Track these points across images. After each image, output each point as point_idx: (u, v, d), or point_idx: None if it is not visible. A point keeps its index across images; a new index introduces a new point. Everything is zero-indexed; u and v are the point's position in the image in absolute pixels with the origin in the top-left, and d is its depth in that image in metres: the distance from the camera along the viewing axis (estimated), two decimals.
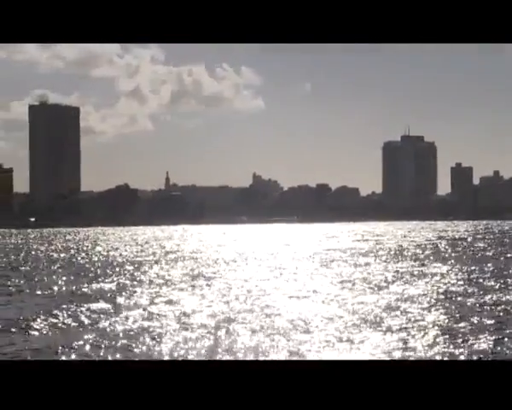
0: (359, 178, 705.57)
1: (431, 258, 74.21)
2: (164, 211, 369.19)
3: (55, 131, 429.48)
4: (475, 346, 24.19)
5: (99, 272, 60.70)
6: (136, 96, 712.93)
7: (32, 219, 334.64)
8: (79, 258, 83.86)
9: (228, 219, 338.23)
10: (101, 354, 23.49)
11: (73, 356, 21.91)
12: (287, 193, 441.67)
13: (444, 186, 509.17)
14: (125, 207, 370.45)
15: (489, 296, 38.14)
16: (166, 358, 21.53)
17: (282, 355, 21.85)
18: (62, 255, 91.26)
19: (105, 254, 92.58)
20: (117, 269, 63.49)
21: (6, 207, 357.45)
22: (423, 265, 64.20)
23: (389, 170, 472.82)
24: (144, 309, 34.71)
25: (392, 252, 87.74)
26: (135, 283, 49.45)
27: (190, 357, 21.75)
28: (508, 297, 37.55)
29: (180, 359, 20.74)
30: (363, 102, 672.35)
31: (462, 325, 29.39)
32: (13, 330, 29.15)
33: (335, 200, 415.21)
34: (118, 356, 21.76)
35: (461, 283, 46.72)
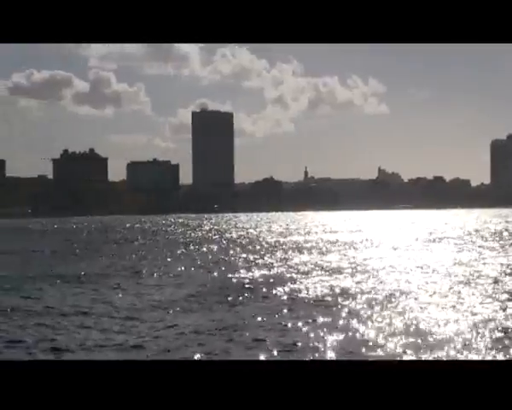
0: (470, 171, 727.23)
1: None
2: (303, 200, 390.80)
3: (213, 133, 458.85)
4: None
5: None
6: (280, 103, 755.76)
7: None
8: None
9: (358, 207, 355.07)
10: None
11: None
12: (407, 184, 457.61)
13: None
14: (271, 196, 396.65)
15: None
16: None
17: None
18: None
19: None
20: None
21: (173, 196, 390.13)
22: None
23: (496, 164, 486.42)
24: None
25: None
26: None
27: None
28: None
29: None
30: (475, 104, 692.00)
31: None
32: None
33: (449, 190, 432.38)
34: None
35: None
